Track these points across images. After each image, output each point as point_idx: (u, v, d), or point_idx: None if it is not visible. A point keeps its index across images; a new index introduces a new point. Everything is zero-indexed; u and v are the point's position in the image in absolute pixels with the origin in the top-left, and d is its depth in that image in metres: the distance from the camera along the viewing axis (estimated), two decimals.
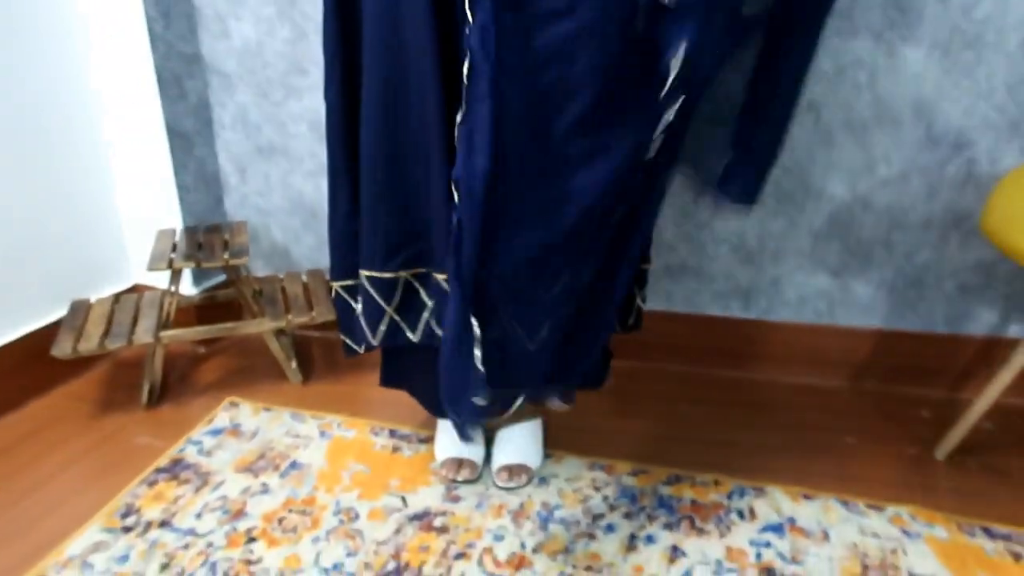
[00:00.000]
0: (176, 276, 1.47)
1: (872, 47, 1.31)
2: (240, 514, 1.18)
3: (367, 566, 1.07)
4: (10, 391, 1.45)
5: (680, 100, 0.80)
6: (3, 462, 1.33)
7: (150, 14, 1.50)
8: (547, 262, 0.86)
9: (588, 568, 1.07)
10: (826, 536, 1.12)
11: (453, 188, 0.82)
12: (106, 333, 1.43)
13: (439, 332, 1.08)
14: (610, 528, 1.14)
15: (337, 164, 1.08)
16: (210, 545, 1.12)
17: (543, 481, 1.25)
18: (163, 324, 1.46)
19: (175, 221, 1.63)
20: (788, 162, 1.41)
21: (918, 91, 1.32)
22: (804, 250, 1.47)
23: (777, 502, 1.19)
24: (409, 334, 1.12)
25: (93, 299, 1.56)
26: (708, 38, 0.79)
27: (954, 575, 1.04)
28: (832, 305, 1.50)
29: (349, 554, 1.10)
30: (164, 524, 1.17)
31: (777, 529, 1.14)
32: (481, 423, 1.30)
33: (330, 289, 1.24)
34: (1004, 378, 1.21)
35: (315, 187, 1.66)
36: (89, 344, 1.39)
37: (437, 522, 1.16)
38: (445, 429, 1.30)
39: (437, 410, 1.27)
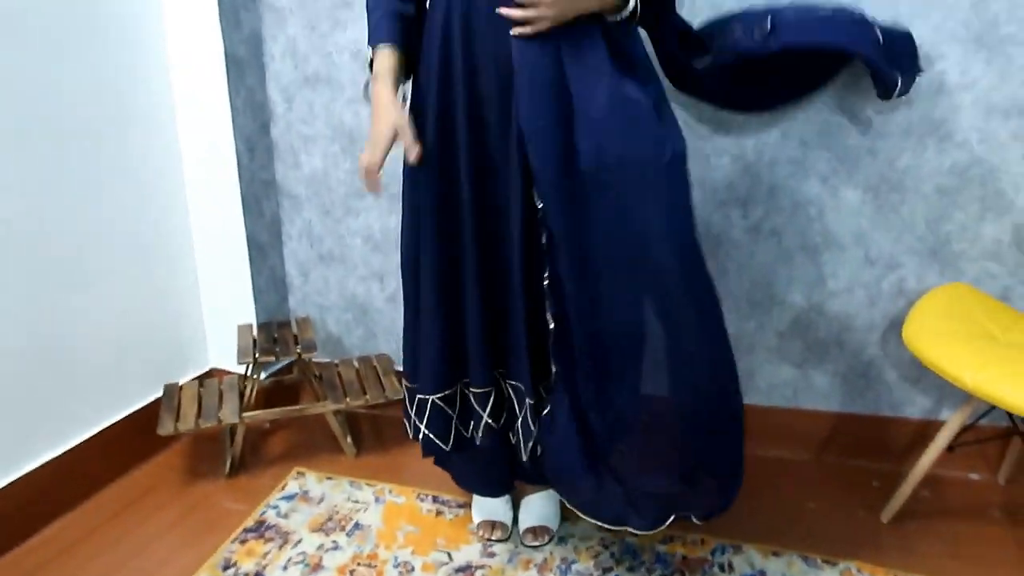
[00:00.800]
0: (256, 365, 1.79)
1: (820, 188, 1.66)
2: (318, 567, 1.47)
3: None
4: (118, 462, 1.75)
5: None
6: (113, 525, 1.61)
7: (239, 148, 1.85)
8: None
9: None
10: None
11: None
12: (199, 414, 1.73)
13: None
14: None
15: (428, 304, 1.31)
16: None
17: (562, 540, 1.54)
18: (244, 406, 1.77)
19: (249, 315, 1.95)
20: (757, 276, 1.75)
21: (857, 223, 1.66)
22: (772, 346, 1.80)
23: (751, 558, 1.49)
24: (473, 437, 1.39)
25: (181, 382, 1.87)
26: None
27: None
28: (796, 392, 1.82)
29: None
30: (258, 575, 1.45)
31: None
32: (511, 492, 1.60)
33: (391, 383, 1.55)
34: (931, 454, 1.51)
35: (366, 289, 1.99)
36: (187, 424, 1.69)
37: (478, 574, 1.45)
38: (479, 498, 1.60)
39: (472, 488, 1.57)
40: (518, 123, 1.13)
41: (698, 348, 1.20)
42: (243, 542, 1.55)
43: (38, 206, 1.53)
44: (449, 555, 1.50)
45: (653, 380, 1.21)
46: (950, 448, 1.51)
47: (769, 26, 1.40)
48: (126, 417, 1.78)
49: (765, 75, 1.49)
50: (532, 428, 1.30)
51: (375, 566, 1.47)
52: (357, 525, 1.60)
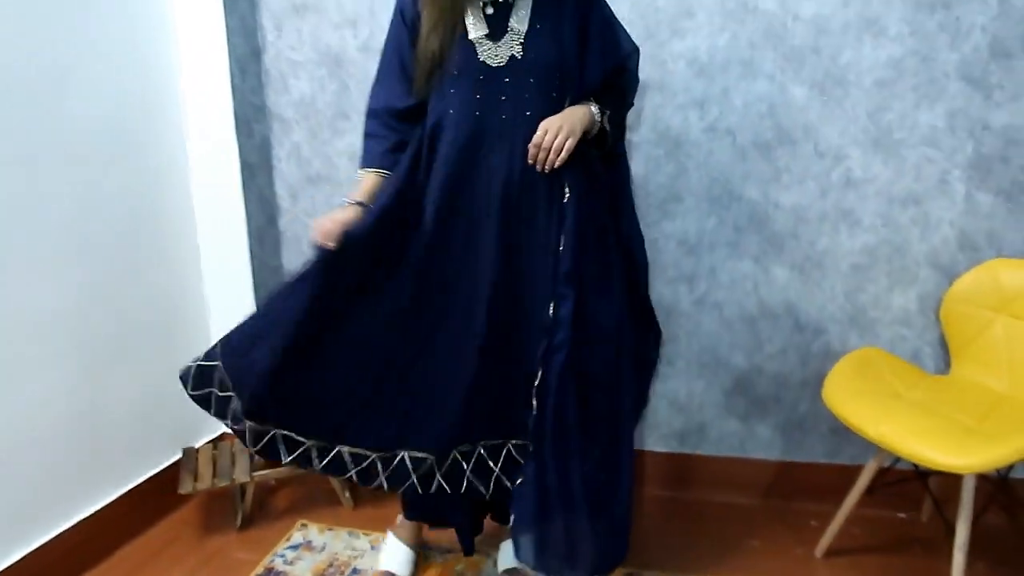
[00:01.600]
0: None
1: (753, 267, 1.93)
2: None
3: None
4: (141, 518, 1.96)
5: None
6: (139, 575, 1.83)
7: (252, 244, 2.11)
8: None
9: None
10: None
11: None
12: (214, 474, 1.95)
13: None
14: None
15: None
16: None
17: None
18: (254, 467, 1.99)
19: None
20: (704, 342, 2.01)
21: (786, 296, 1.93)
22: (720, 403, 2.04)
23: None
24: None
25: (197, 446, 2.09)
26: None
27: None
28: (743, 442, 2.06)
29: None
30: None
31: None
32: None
33: None
34: (853, 495, 1.75)
35: None
36: (204, 483, 1.91)
37: None
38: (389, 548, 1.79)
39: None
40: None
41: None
42: None
43: (85, 297, 1.77)
44: None
45: None
46: (869, 490, 1.76)
47: None
48: (149, 478, 2.00)
49: None
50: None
51: None
52: (355, 571, 1.81)
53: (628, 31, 1.51)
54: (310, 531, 1.97)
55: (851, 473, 1.94)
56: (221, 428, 2.21)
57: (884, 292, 1.87)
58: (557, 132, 1.36)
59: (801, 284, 1.91)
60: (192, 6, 1.94)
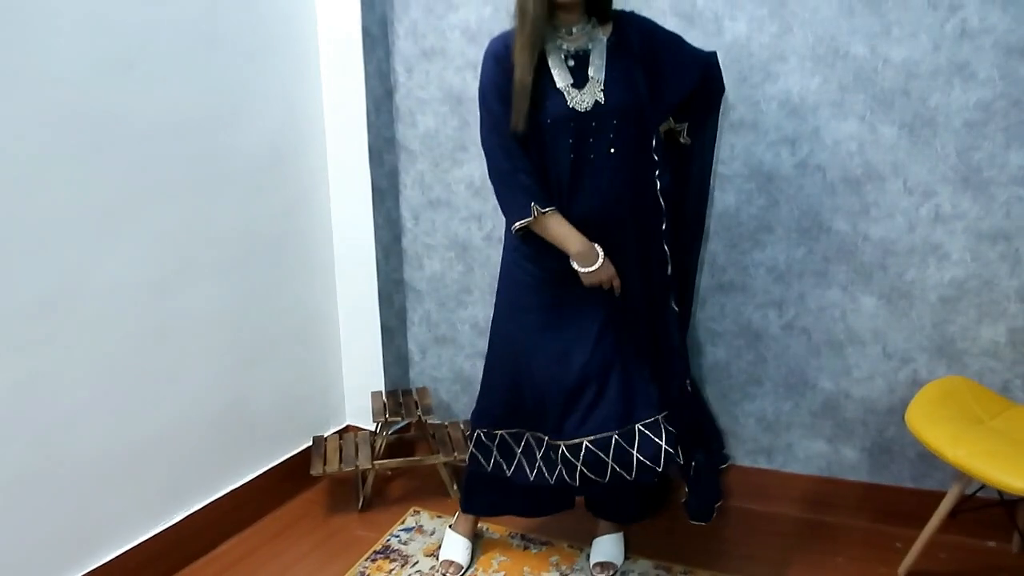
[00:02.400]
0: (385, 424, 2.27)
1: (841, 295, 2.03)
2: None
3: None
4: (276, 496, 2.25)
5: None
6: (273, 544, 2.09)
7: (379, 256, 2.39)
8: None
9: None
10: None
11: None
12: (340, 460, 2.22)
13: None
14: None
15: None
16: None
17: (624, 574, 1.92)
18: (375, 456, 2.24)
19: (378, 384, 2.45)
20: (792, 365, 2.12)
21: (874, 324, 2.02)
22: (807, 424, 2.14)
23: None
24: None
25: (325, 435, 2.37)
26: None
27: None
28: (829, 463, 2.14)
29: None
30: None
31: None
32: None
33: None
34: (936, 518, 1.81)
35: (472, 365, 2.47)
36: (332, 467, 2.18)
37: None
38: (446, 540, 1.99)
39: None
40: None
41: None
42: (373, 560, 2.00)
43: (242, 302, 2.08)
44: None
45: None
46: (952, 514, 1.82)
47: None
48: (283, 461, 2.29)
49: None
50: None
51: None
52: None
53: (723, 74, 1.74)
54: (422, 517, 2.20)
55: (937, 499, 1.99)
56: (347, 420, 2.50)
57: (973, 324, 1.93)
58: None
59: (889, 313, 2.00)
60: (336, 54, 2.24)
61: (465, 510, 1.99)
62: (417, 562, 1.99)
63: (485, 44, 1.69)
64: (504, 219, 1.71)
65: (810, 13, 1.91)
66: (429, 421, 2.33)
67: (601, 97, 1.61)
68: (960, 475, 1.75)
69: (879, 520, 2.10)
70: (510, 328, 1.77)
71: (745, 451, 2.22)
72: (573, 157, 1.63)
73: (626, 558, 1.96)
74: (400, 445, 2.46)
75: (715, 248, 2.12)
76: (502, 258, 1.80)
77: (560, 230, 1.64)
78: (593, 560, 1.94)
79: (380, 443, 2.28)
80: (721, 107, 1.84)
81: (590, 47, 1.64)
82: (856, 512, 2.12)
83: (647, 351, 1.75)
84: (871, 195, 1.95)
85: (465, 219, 2.40)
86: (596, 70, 1.62)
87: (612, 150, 1.62)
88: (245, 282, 2.10)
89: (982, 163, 1.84)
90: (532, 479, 1.78)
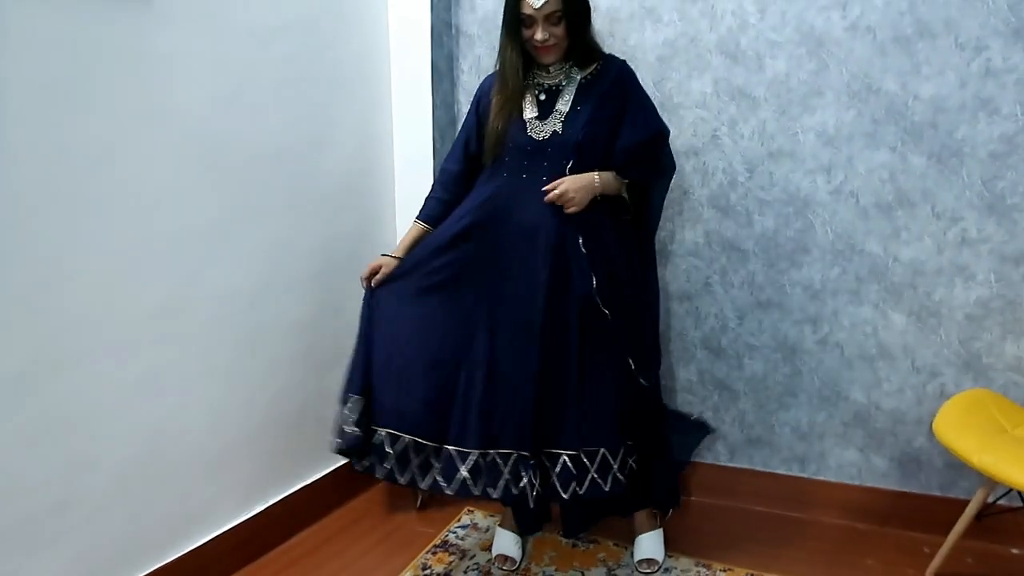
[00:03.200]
0: None
1: (872, 313, 2.18)
2: (488, 574, 2.06)
3: None
4: (341, 495, 2.42)
5: None
6: (340, 538, 2.26)
7: None
8: None
9: None
10: None
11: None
12: None
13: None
14: None
15: None
16: None
17: (667, 571, 2.06)
18: None
19: None
20: (826, 378, 2.26)
21: (904, 340, 2.16)
22: (839, 433, 2.28)
23: None
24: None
25: None
26: None
27: None
28: (861, 471, 2.28)
29: None
30: (446, 575, 2.06)
31: None
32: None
33: None
34: (963, 521, 1.94)
35: None
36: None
37: None
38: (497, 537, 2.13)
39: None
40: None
41: None
42: (434, 553, 2.16)
43: (317, 313, 2.27)
44: (582, 573, 2.06)
45: None
46: (978, 517, 1.95)
47: None
48: (346, 463, 2.46)
49: None
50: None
51: (528, 574, 2.04)
52: None
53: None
54: (476, 515, 2.37)
55: (963, 507, 2.11)
56: None
57: (998, 341, 2.07)
58: (568, 190, 1.76)
59: (918, 330, 2.14)
60: (407, 87, 2.44)
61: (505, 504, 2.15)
62: (474, 555, 2.15)
63: None
64: None
65: (845, 53, 2.08)
66: None
67: (559, 128, 1.81)
68: (985, 480, 1.88)
69: (908, 526, 2.22)
70: None
71: (780, 459, 2.36)
72: (525, 178, 1.83)
73: (668, 555, 2.11)
74: None
75: (754, 268, 2.28)
76: None
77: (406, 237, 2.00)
78: (637, 557, 2.08)
79: None
80: (669, 186, 2.06)
81: (563, 84, 1.84)
82: (886, 518, 2.25)
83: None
84: (901, 219, 2.10)
85: None
86: (563, 104, 1.82)
87: (548, 176, 1.80)
88: (321, 295, 2.29)
89: (1005, 191, 1.99)
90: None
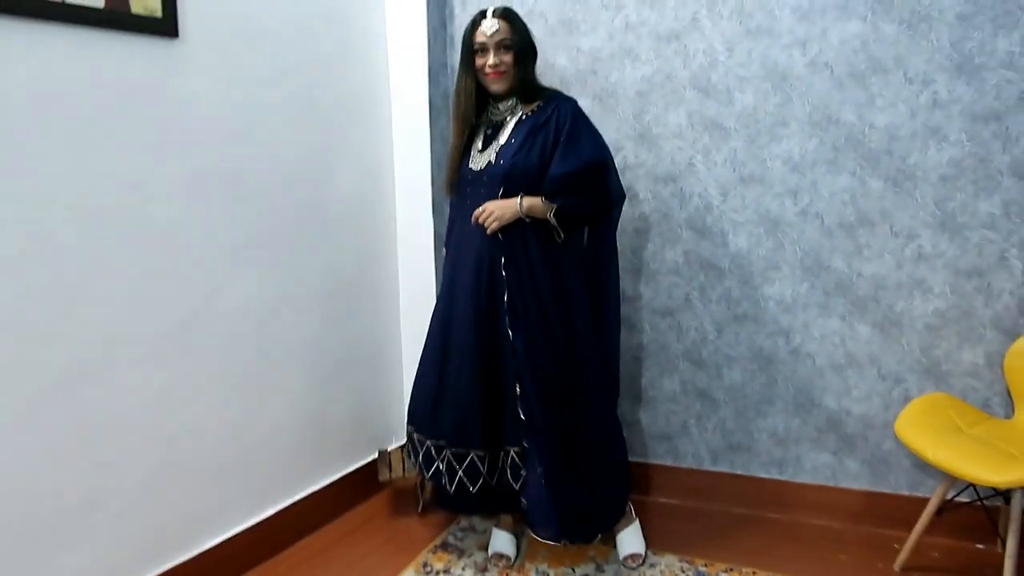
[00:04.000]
0: None
1: (840, 324, 2.35)
2: (485, 570, 2.20)
3: None
4: (348, 499, 2.58)
5: None
6: (348, 539, 2.41)
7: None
8: None
9: None
10: None
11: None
12: (403, 468, 2.55)
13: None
14: None
15: None
16: None
17: (652, 566, 2.21)
18: None
19: None
20: (799, 386, 2.42)
21: (869, 349, 2.32)
22: (814, 438, 2.43)
23: None
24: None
25: (389, 448, 2.71)
26: None
27: None
28: (835, 474, 2.43)
29: None
30: (447, 572, 2.20)
31: None
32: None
33: None
34: (924, 516, 2.09)
35: None
36: (396, 474, 2.52)
37: None
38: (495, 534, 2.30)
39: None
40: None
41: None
42: (434, 553, 2.31)
43: (323, 329, 2.45)
44: (573, 569, 2.20)
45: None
46: (939, 513, 2.09)
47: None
48: (354, 470, 2.63)
49: None
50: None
51: (523, 571, 2.19)
52: None
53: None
54: (473, 519, 2.51)
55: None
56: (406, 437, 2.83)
57: (955, 349, 2.23)
58: (488, 213, 1.99)
59: (882, 340, 2.31)
60: (406, 121, 2.64)
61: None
62: (472, 554, 2.30)
63: None
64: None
65: (807, 87, 2.27)
66: None
67: (493, 159, 2.03)
68: (944, 477, 2.04)
69: (879, 524, 2.37)
70: None
71: (760, 463, 2.51)
72: (469, 203, 2.07)
73: (653, 553, 2.26)
74: None
75: (730, 284, 2.45)
76: None
77: None
78: (621, 555, 2.23)
79: None
80: (619, 216, 2.25)
81: (507, 119, 2.06)
82: (858, 517, 2.40)
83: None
84: (863, 238, 2.28)
85: None
86: (503, 137, 2.05)
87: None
88: (327, 313, 2.47)
89: (956, 210, 2.17)
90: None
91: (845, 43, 2.21)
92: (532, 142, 2.01)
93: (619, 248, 2.28)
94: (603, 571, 2.20)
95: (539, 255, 2.03)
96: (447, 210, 2.72)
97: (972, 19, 2.09)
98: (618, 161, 2.50)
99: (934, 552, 2.24)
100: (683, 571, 2.18)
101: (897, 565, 2.17)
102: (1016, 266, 2.14)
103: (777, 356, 2.44)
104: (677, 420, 2.60)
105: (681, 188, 2.46)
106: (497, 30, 1.96)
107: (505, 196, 2.01)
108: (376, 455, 2.68)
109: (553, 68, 2.54)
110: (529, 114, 2.04)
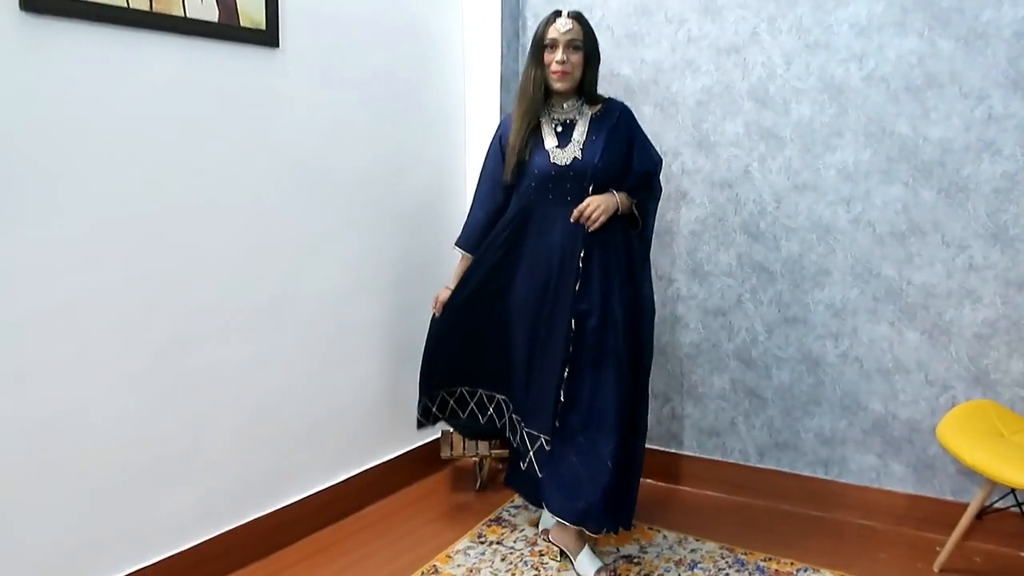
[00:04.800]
0: None
1: (889, 330, 2.41)
2: (535, 544, 2.37)
3: None
4: (412, 474, 2.79)
5: None
6: (410, 510, 2.61)
7: None
8: None
9: None
10: None
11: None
12: (464, 447, 2.74)
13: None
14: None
15: None
16: (520, 553, 2.31)
17: (694, 551, 2.32)
18: (491, 447, 2.75)
19: None
20: (847, 388, 2.50)
21: (918, 356, 2.38)
22: (859, 440, 2.50)
23: None
24: None
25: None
26: None
27: None
28: (880, 476, 2.49)
29: None
30: (499, 543, 2.38)
31: None
32: None
33: None
34: (966, 518, 2.15)
35: None
36: (457, 452, 2.71)
37: (635, 561, 2.27)
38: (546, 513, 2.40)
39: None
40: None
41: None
42: (488, 526, 2.49)
43: (393, 314, 2.66)
44: (617, 549, 2.34)
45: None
46: (979, 517, 2.15)
47: None
48: (419, 447, 2.83)
49: None
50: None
51: None
52: None
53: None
54: None
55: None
56: None
57: (1004, 358, 2.27)
58: (596, 207, 2.07)
59: (930, 347, 2.36)
60: (479, 127, 2.84)
61: None
62: (523, 529, 2.47)
63: None
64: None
65: (862, 99, 2.36)
66: None
67: (580, 155, 2.11)
68: (986, 482, 2.09)
69: (921, 527, 2.42)
70: None
71: (805, 462, 2.60)
72: (551, 198, 2.13)
73: (695, 539, 2.38)
74: None
75: (781, 287, 2.55)
76: None
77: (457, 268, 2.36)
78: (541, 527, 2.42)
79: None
80: (657, 209, 2.34)
81: (577, 118, 2.15)
82: (901, 519, 2.46)
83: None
84: (914, 247, 2.35)
85: None
86: (579, 135, 2.13)
87: (569, 200, 2.11)
88: (399, 298, 2.68)
89: (1008, 223, 2.22)
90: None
91: (901, 58, 2.29)
92: (614, 141, 2.13)
93: (675, 250, 2.42)
94: (646, 552, 2.33)
95: (622, 248, 2.16)
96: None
97: None
98: (676, 167, 2.64)
99: (976, 556, 2.29)
100: (723, 557, 2.29)
101: (936, 566, 2.23)
102: None
103: (825, 359, 2.52)
104: (726, 416, 2.70)
105: (736, 194, 2.57)
106: (570, 29, 2.07)
107: (595, 192, 2.11)
108: (440, 434, 2.87)
109: (618, 77, 2.69)
110: (597, 115, 2.17)
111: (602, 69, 2.21)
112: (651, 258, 2.30)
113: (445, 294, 2.36)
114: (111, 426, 1.84)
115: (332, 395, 2.45)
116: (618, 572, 2.21)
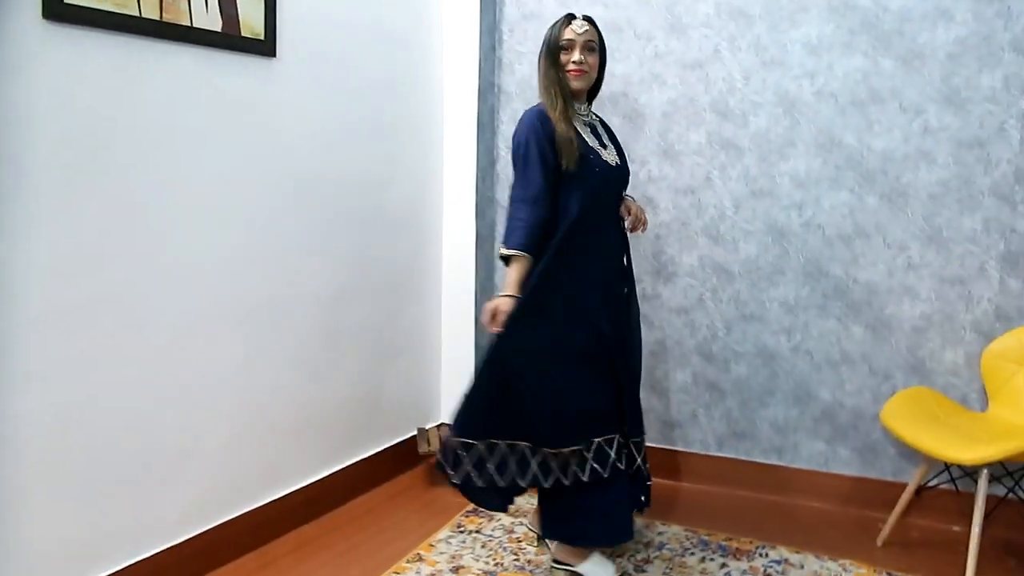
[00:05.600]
0: None
1: (836, 325, 2.62)
2: (511, 531, 2.49)
3: None
4: (390, 469, 2.88)
5: None
6: (389, 504, 2.71)
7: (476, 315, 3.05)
8: None
9: None
10: (802, 567, 2.29)
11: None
12: (439, 443, 2.84)
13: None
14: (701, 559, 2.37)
15: None
16: (499, 540, 2.44)
17: (660, 534, 2.48)
18: None
19: None
20: (798, 380, 2.70)
21: (862, 348, 2.60)
22: (809, 427, 2.71)
23: (781, 552, 2.36)
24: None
25: (428, 427, 3.01)
26: None
27: None
28: (828, 460, 2.70)
29: None
30: (478, 531, 2.49)
31: (778, 563, 2.31)
32: None
33: None
34: (905, 495, 2.36)
35: None
36: (434, 447, 2.81)
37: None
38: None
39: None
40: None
41: None
42: (467, 516, 2.60)
43: (378, 317, 2.76)
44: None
45: None
46: (918, 493, 2.37)
47: None
48: (397, 443, 2.93)
49: None
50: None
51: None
52: None
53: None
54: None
55: (912, 488, 2.54)
56: (441, 418, 3.14)
57: (939, 349, 2.50)
58: (643, 217, 2.23)
59: (873, 340, 2.58)
60: (457, 135, 2.95)
61: None
62: (500, 518, 2.59)
63: None
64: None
65: (813, 112, 2.56)
66: None
67: (617, 160, 2.16)
68: (923, 462, 2.31)
69: (866, 506, 2.63)
70: None
71: (761, 450, 2.79)
72: (603, 200, 2.10)
73: (661, 524, 2.54)
74: None
75: (740, 286, 2.74)
76: None
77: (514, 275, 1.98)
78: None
79: None
80: None
81: (595, 121, 2.22)
82: (848, 500, 2.67)
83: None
84: (859, 248, 2.56)
85: None
86: (605, 139, 2.19)
87: (617, 202, 2.17)
88: (382, 303, 2.78)
89: (942, 225, 2.45)
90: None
91: (848, 75, 2.50)
92: (620, 146, 2.24)
93: (642, 252, 2.59)
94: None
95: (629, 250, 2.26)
96: (487, 213, 3.04)
97: (960, 58, 2.37)
98: (643, 175, 2.80)
99: (913, 532, 2.51)
100: (687, 538, 2.46)
101: (879, 541, 2.44)
102: (994, 276, 2.41)
103: (779, 352, 2.72)
104: (688, 409, 2.88)
105: (699, 199, 2.75)
106: (587, 30, 2.10)
107: (621, 191, 2.20)
108: (415, 432, 2.97)
109: None
110: (599, 119, 2.24)
111: None
112: None
113: (507, 305, 1.96)
114: (110, 425, 1.89)
115: (320, 394, 2.53)
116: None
